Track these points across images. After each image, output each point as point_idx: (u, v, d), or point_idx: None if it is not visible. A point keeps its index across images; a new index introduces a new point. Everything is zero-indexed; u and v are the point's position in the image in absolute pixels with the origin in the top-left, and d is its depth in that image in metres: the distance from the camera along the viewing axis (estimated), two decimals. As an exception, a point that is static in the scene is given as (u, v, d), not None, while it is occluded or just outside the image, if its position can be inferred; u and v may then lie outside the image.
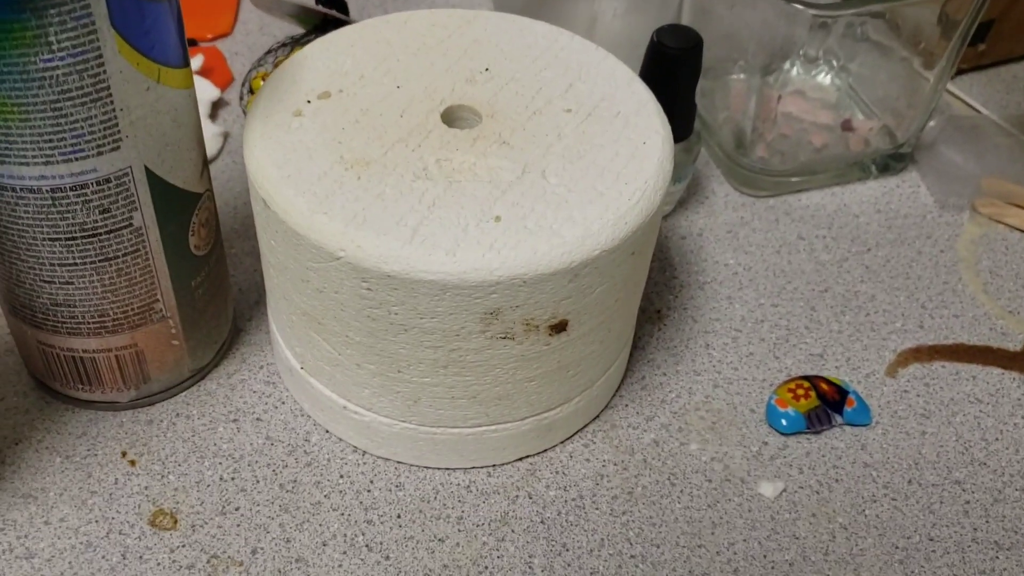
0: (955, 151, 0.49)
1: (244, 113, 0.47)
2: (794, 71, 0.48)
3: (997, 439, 0.37)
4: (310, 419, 0.36)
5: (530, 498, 0.34)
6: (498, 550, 0.33)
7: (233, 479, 0.34)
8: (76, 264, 0.31)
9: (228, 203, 0.44)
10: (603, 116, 0.33)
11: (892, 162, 0.48)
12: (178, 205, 0.32)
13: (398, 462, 0.35)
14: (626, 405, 0.37)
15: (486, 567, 0.32)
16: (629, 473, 0.35)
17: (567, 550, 0.33)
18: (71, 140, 0.28)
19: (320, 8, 0.45)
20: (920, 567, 0.33)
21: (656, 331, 0.40)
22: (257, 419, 0.36)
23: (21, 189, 0.28)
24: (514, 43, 0.36)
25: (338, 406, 0.34)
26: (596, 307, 0.32)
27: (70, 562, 0.32)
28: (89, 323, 0.32)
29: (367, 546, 0.33)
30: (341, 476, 0.34)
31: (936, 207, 0.47)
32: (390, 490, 0.34)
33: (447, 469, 0.35)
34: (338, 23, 0.45)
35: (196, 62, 0.49)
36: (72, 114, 0.27)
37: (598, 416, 0.37)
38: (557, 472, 0.35)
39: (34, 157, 0.28)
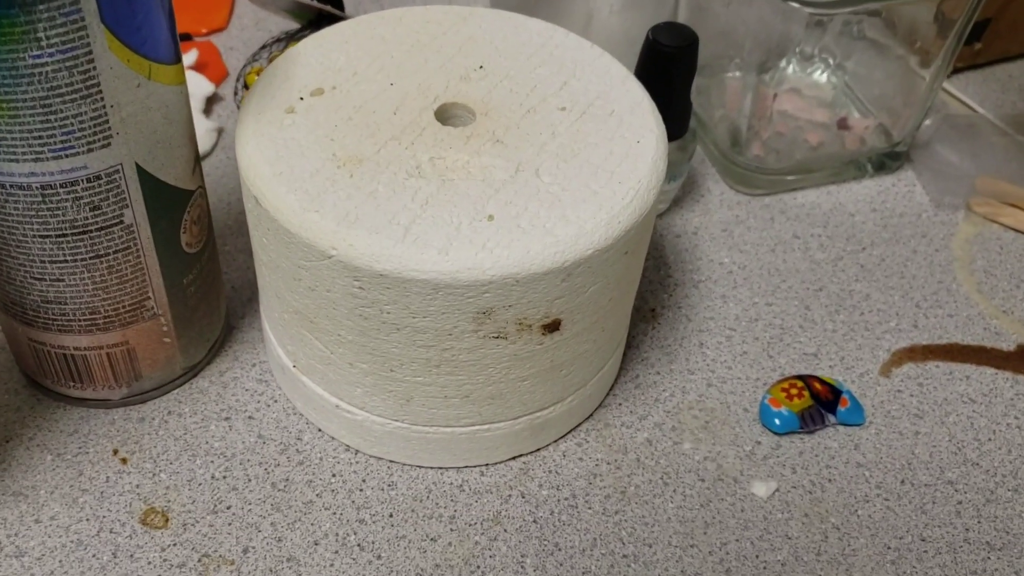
0: (951, 150, 0.48)
1: (238, 108, 0.47)
2: (790, 69, 0.48)
3: (990, 439, 0.37)
4: (302, 417, 0.36)
5: (523, 497, 0.34)
6: (490, 549, 0.33)
7: (225, 477, 0.34)
8: (67, 261, 0.30)
9: (222, 199, 0.44)
10: (597, 114, 0.33)
11: (888, 161, 0.48)
12: (169, 202, 0.31)
13: (390, 461, 0.35)
14: (619, 404, 0.37)
15: (478, 567, 0.32)
16: (622, 472, 0.35)
17: (559, 549, 0.33)
18: (61, 137, 0.27)
19: (315, 3, 0.45)
20: (912, 567, 0.33)
21: (650, 330, 0.40)
22: (249, 417, 0.36)
23: (11, 186, 0.28)
24: (509, 40, 0.36)
25: (330, 405, 0.34)
26: (589, 306, 0.31)
27: (60, 560, 0.31)
28: (80, 320, 0.32)
29: (359, 545, 0.33)
30: (333, 475, 0.34)
31: (931, 206, 0.47)
32: (382, 489, 0.34)
33: (440, 468, 0.35)
34: (333, 18, 0.45)
35: (190, 57, 0.49)
36: (62, 111, 0.27)
37: (591, 415, 0.37)
38: (550, 471, 0.35)
39: (24, 154, 0.28)
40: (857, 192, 0.47)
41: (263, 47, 0.47)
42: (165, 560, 0.32)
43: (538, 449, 0.36)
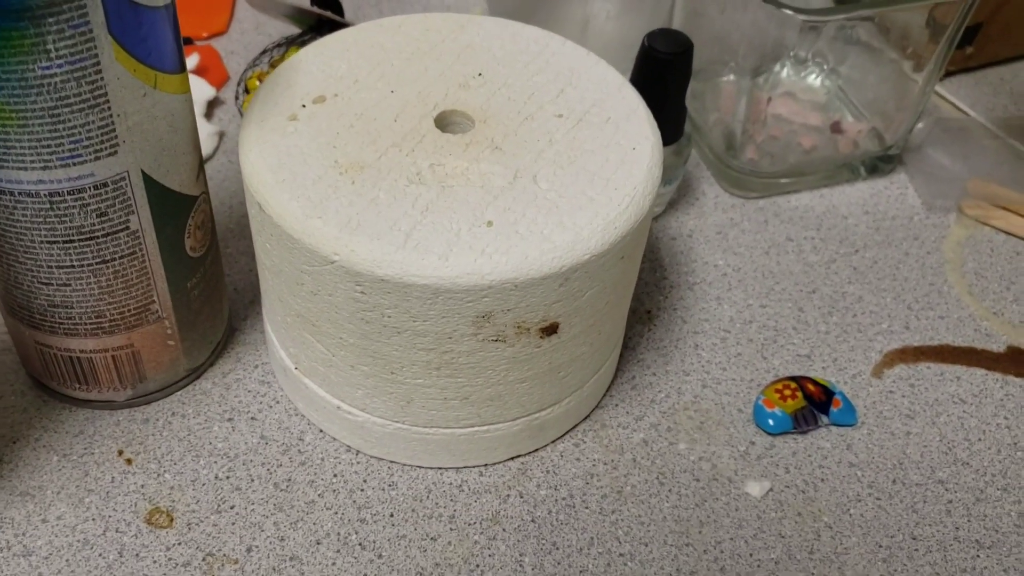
0: (942, 153, 0.49)
1: (240, 112, 0.47)
2: (784, 73, 0.48)
3: (980, 439, 0.38)
4: (304, 419, 0.36)
5: (521, 497, 0.35)
6: (489, 549, 0.33)
7: (228, 478, 0.34)
8: (74, 266, 0.31)
9: (223, 202, 0.44)
10: (593, 122, 0.34)
11: (880, 164, 0.49)
12: (174, 208, 0.32)
13: (391, 461, 0.35)
14: (616, 405, 0.38)
15: (477, 565, 0.33)
16: (619, 472, 0.36)
17: (557, 548, 0.34)
18: (69, 145, 0.28)
19: (315, 9, 0.46)
20: (903, 565, 0.34)
21: (646, 331, 0.41)
22: (252, 418, 0.36)
23: (19, 193, 0.29)
24: (507, 48, 0.36)
25: (332, 406, 0.35)
26: (586, 310, 0.32)
27: (67, 560, 0.32)
28: (86, 324, 0.33)
29: (360, 544, 0.33)
30: (335, 475, 0.35)
31: (923, 209, 0.48)
32: (383, 489, 0.35)
33: (439, 468, 0.35)
34: (333, 24, 0.46)
35: (191, 61, 0.50)
36: (70, 120, 0.28)
37: (588, 416, 0.37)
38: (548, 472, 0.36)
39: (32, 162, 0.28)
40: (850, 195, 0.48)
41: (264, 52, 0.47)
42: (170, 559, 0.32)
43: (536, 450, 0.36)
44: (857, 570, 0.34)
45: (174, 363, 0.36)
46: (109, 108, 0.28)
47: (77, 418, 0.36)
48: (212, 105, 0.48)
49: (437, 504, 0.34)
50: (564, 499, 0.35)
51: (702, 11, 0.48)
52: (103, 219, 0.30)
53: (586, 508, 0.35)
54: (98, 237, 0.31)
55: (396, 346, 0.31)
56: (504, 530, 0.34)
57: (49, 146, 0.28)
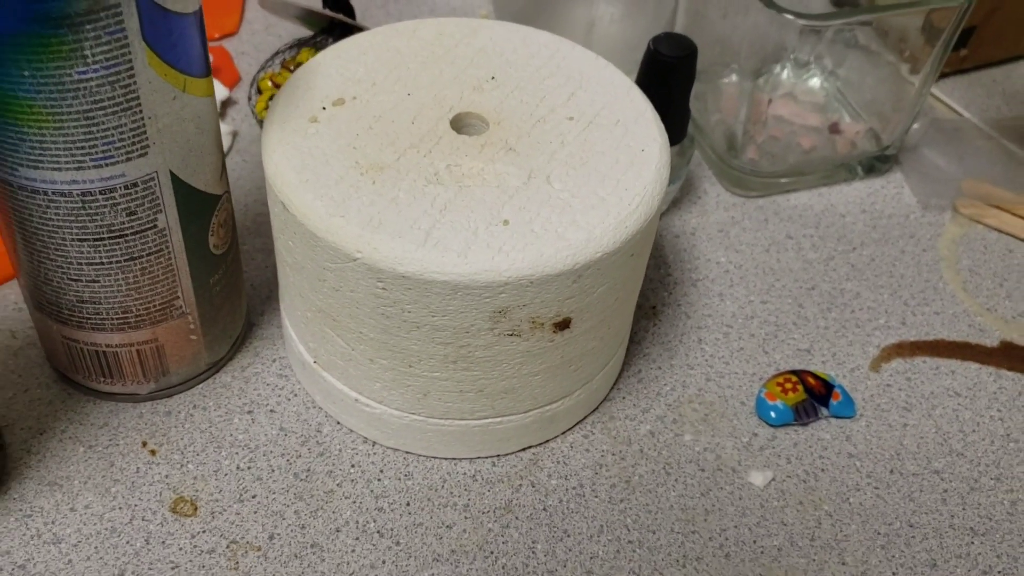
0: (937, 153, 0.50)
1: (253, 112, 0.48)
2: (784, 75, 0.49)
3: (974, 431, 0.40)
4: (322, 411, 0.38)
5: (533, 487, 0.36)
6: (503, 536, 0.35)
7: (249, 468, 0.36)
8: (103, 263, 0.32)
9: (239, 201, 0.45)
10: (603, 124, 0.35)
11: (877, 164, 0.50)
12: (199, 207, 0.33)
13: (407, 452, 0.37)
14: (623, 398, 0.39)
15: (492, 552, 0.34)
16: (626, 463, 0.37)
17: (568, 536, 0.35)
18: (102, 147, 0.29)
19: (327, 12, 0.47)
20: (900, 551, 0.35)
21: (651, 327, 0.42)
22: (271, 411, 0.37)
23: (53, 193, 0.30)
24: (518, 52, 0.38)
25: (350, 399, 0.36)
26: (597, 306, 0.33)
27: (96, 547, 0.33)
28: (113, 319, 0.34)
29: (379, 532, 0.34)
30: (352, 465, 0.36)
31: (919, 207, 0.49)
32: (399, 479, 0.36)
33: (453, 459, 0.37)
34: (344, 26, 0.47)
35: (204, 62, 0.51)
36: (103, 122, 0.29)
37: (597, 408, 0.39)
38: (558, 462, 0.37)
39: (66, 163, 0.29)
40: (848, 194, 0.49)
41: (276, 53, 0.48)
42: (195, 546, 0.33)
43: (547, 441, 0.37)
44: (857, 556, 0.35)
45: (196, 357, 0.37)
46: (141, 111, 0.29)
47: (101, 410, 0.37)
48: (225, 105, 0.50)
49: (452, 493, 0.36)
50: (574, 488, 0.36)
51: (704, 14, 0.50)
52: (132, 218, 0.31)
53: (595, 497, 0.36)
54: (127, 235, 0.32)
55: (415, 340, 0.32)
56: (517, 518, 0.35)
57: (83, 147, 0.29)
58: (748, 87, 0.47)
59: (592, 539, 0.35)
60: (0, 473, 0.34)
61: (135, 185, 0.31)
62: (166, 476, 0.35)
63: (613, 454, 0.37)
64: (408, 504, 0.35)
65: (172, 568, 0.33)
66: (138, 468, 0.35)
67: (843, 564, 0.35)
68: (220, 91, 0.49)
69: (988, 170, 0.50)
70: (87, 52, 0.27)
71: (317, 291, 0.33)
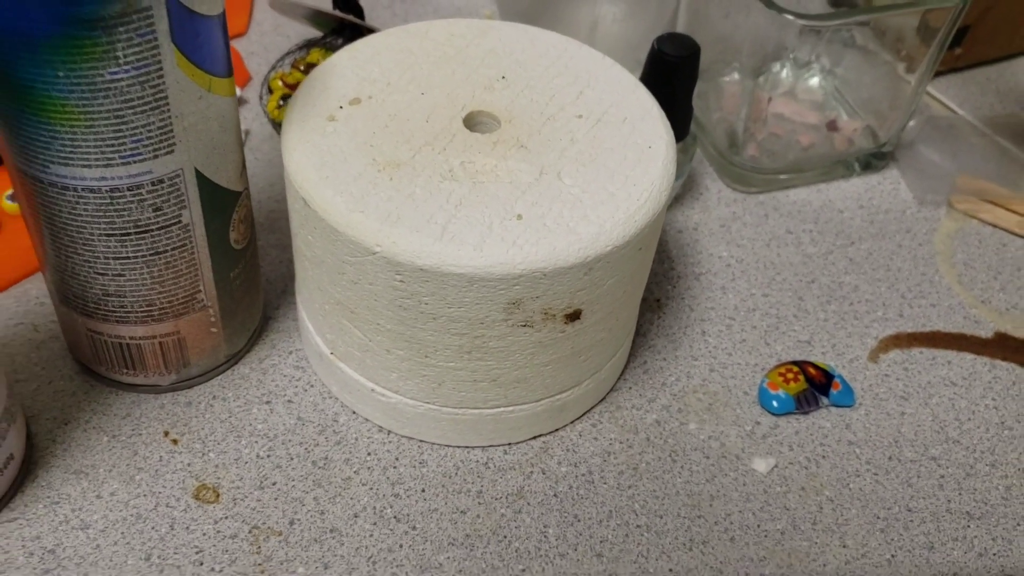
0: (933, 150, 0.52)
1: (264, 111, 0.49)
2: (784, 73, 0.51)
3: (970, 419, 0.41)
4: (338, 401, 0.39)
5: (544, 474, 0.37)
6: (515, 521, 0.36)
7: (269, 456, 0.37)
8: (129, 258, 0.33)
9: (252, 198, 0.46)
10: (611, 122, 0.36)
11: (874, 160, 0.52)
12: (222, 203, 0.34)
13: (421, 441, 0.38)
14: (630, 388, 0.40)
15: (505, 536, 0.35)
16: (633, 450, 0.38)
17: (578, 520, 0.36)
18: (131, 145, 0.30)
19: (336, 13, 0.48)
20: (899, 535, 0.37)
21: (656, 319, 0.43)
22: (288, 401, 0.39)
23: (82, 189, 0.31)
24: (527, 52, 0.39)
25: (366, 389, 0.37)
26: (607, 298, 0.34)
27: (123, 532, 0.34)
28: (137, 312, 0.35)
29: (395, 517, 0.35)
30: (368, 454, 0.37)
31: (915, 203, 0.50)
32: (414, 466, 0.37)
33: (466, 447, 0.38)
34: (353, 27, 0.48)
35: (215, 62, 0.52)
36: (133, 121, 0.30)
37: (604, 398, 0.40)
38: (568, 450, 0.38)
39: (96, 160, 0.30)
40: (846, 190, 0.51)
41: (287, 54, 0.49)
42: (218, 532, 0.34)
43: (557, 429, 0.39)
44: (857, 539, 0.36)
45: (216, 349, 0.38)
46: (168, 110, 0.30)
47: (124, 401, 0.38)
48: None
49: (465, 480, 0.37)
50: (584, 475, 0.37)
51: (706, 14, 0.51)
52: (158, 213, 0.32)
53: (604, 483, 0.37)
54: (153, 230, 0.33)
55: (431, 331, 0.33)
56: (528, 504, 0.36)
57: (112, 145, 0.30)
58: (749, 85, 0.48)
59: (601, 523, 0.36)
60: (27, 462, 0.35)
61: (161, 182, 0.32)
62: (188, 464, 0.36)
63: (621, 442, 0.39)
64: (423, 490, 0.36)
65: (196, 552, 0.34)
66: (161, 457, 0.36)
67: (844, 547, 0.36)
68: (232, 90, 0.50)
69: (982, 166, 0.51)
70: (119, 53, 0.28)
71: (336, 284, 0.34)
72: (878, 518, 0.37)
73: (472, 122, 0.36)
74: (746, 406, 0.40)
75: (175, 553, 0.34)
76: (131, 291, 0.34)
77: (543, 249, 0.32)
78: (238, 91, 0.50)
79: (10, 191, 0.44)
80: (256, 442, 0.37)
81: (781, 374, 0.41)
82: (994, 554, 0.36)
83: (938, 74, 0.58)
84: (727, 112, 0.51)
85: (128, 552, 0.34)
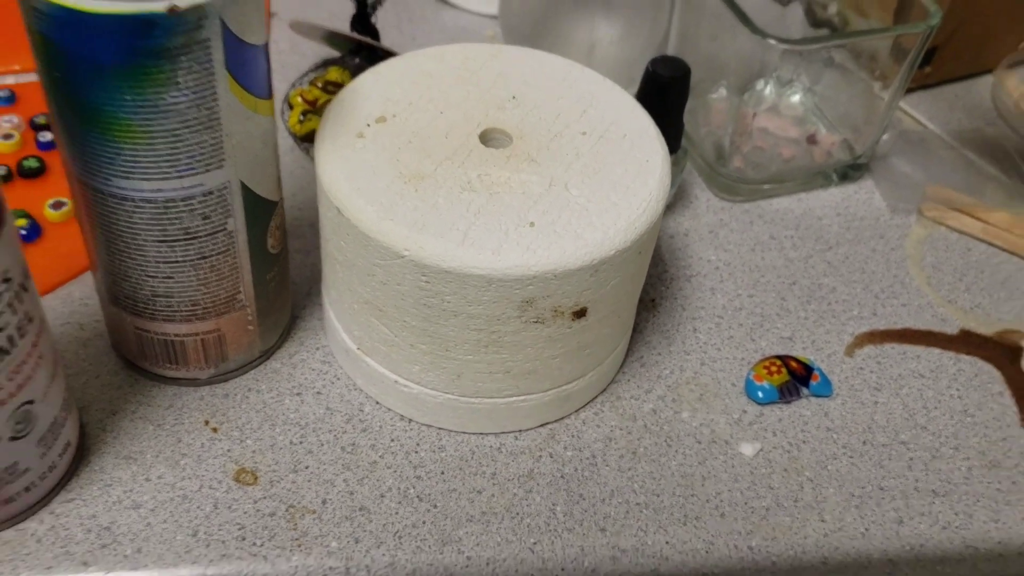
0: (905, 162, 0.56)
1: (285, 126, 0.53)
2: (767, 91, 0.55)
3: (936, 407, 0.45)
4: (362, 392, 0.42)
5: (551, 457, 0.41)
6: (527, 500, 0.39)
7: (301, 443, 0.40)
8: (177, 262, 0.37)
9: (275, 207, 0.50)
10: (612, 138, 0.40)
11: (850, 172, 0.56)
12: (262, 211, 0.38)
13: (439, 428, 0.41)
14: (628, 380, 0.44)
15: (518, 513, 0.39)
16: (632, 436, 0.42)
17: (584, 499, 0.40)
18: (185, 160, 0.34)
19: (354, 34, 0.51)
20: (872, 511, 0.41)
21: (651, 317, 0.47)
22: (317, 393, 0.42)
23: (140, 200, 0.34)
24: (534, 74, 0.42)
25: (390, 381, 0.41)
26: (610, 297, 0.38)
27: (171, 511, 0.38)
28: (183, 311, 0.38)
29: (418, 497, 0.39)
30: (392, 440, 0.41)
31: (888, 211, 0.54)
32: (434, 451, 0.41)
33: (481, 434, 0.41)
34: (370, 48, 0.52)
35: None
36: (188, 139, 0.33)
37: (606, 389, 0.44)
38: (573, 436, 0.42)
39: (154, 174, 0.34)
40: (824, 199, 0.55)
41: (306, 72, 0.53)
42: (258, 510, 0.38)
43: (562, 418, 0.42)
44: (834, 515, 0.40)
45: (251, 345, 0.41)
46: (220, 129, 0.34)
47: (166, 393, 0.41)
48: (258, 119, 0.54)
49: (480, 463, 0.40)
50: (587, 459, 0.41)
51: (695, 37, 0.55)
52: (206, 222, 0.36)
53: (606, 466, 0.41)
54: (200, 237, 0.36)
55: (452, 327, 0.37)
56: (538, 484, 0.40)
57: (169, 161, 0.33)
58: (735, 102, 0.52)
59: (604, 502, 0.40)
60: (81, 449, 0.39)
61: (211, 193, 0.35)
62: (228, 450, 0.40)
63: (621, 429, 0.42)
64: (443, 473, 0.40)
65: (239, 529, 0.37)
66: (203, 443, 0.40)
67: (822, 522, 0.40)
68: (253, 106, 0.54)
69: (950, 177, 0.55)
70: (180, 79, 0.32)
71: (366, 285, 0.38)
72: (853, 496, 0.41)
73: (487, 138, 0.40)
74: (734, 396, 0.44)
75: (219, 529, 0.37)
76: (178, 292, 0.38)
77: (554, 253, 0.35)
78: (258, 107, 0.54)
79: (52, 200, 0.47)
80: (289, 430, 0.41)
81: (765, 367, 0.45)
82: (956, 527, 0.40)
83: (909, 91, 0.62)
84: (714, 127, 0.55)
85: (176, 529, 0.37)
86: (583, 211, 0.37)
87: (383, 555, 0.37)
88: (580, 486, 0.40)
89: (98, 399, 0.41)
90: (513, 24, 0.58)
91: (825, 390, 0.45)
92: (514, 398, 0.40)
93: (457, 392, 0.40)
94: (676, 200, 0.53)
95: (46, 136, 0.51)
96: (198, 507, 0.38)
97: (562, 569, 0.38)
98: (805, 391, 0.44)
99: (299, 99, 0.53)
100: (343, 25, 0.56)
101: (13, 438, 0.34)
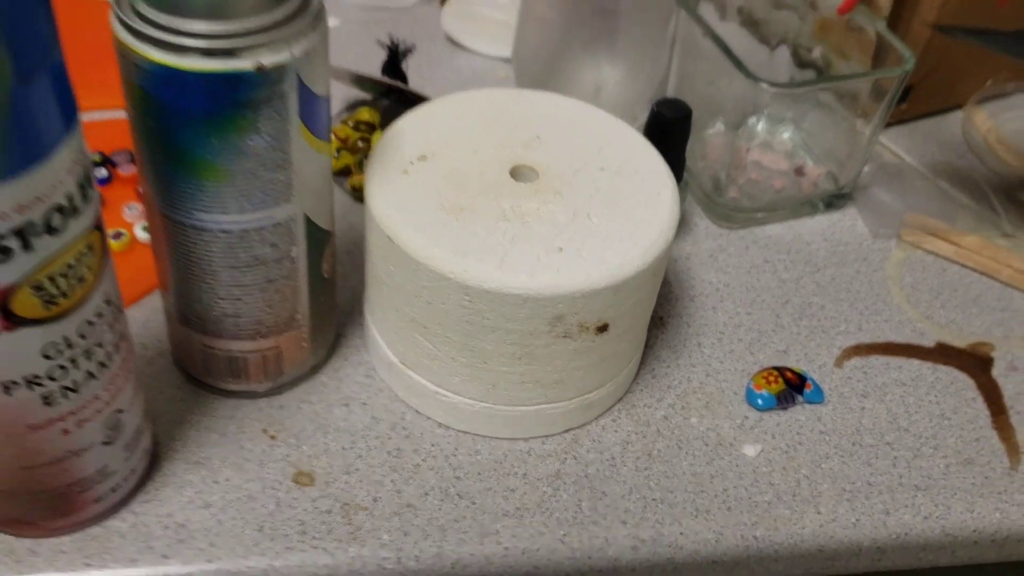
0: (884, 192, 0.61)
1: (320, 162, 0.57)
2: (760, 127, 0.60)
3: (916, 412, 0.50)
4: (404, 403, 0.47)
5: (575, 459, 0.46)
6: (555, 497, 0.44)
7: (351, 448, 0.45)
8: (247, 285, 0.41)
9: (314, 236, 0.54)
10: (627, 173, 0.45)
11: (835, 200, 0.61)
12: (319, 240, 0.42)
13: (475, 434, 0.46)
14: (642, 390, 0.49)
15: (547, 508, 0.44)
16: (647, 440, 0.47)
17: (606, 496, 0.44)
18: (260, 196, 0.38)
19: (384, 79, 0.56)
20: (862, 503, 0.45)
21: (660, 334, 0.52)
22: (363, 403, 0.47)
23: (218, 231, 0.39)
24: (554, 116, 0.48)
25: (430, 391, 0.45)
26: (628, 313, 0.43)
27: (238, 509, 0.42)
28: (248, 330, 0.43)
29: (458, 495, 0.44)
30: (432, 445, 0.45)
31: (870, 236, 0.60)
32: (470, 455, 0.45)
33: (512, 439, 0.46)
34: (399, 91, 0.57)
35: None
36: (263, 177, 0.38)
37: (622, 398, 0.48)
38: (594, 440, 0.46)
39: (232, 208, 0.38)
40: (812, 226, 0.60)
41: (339, 112, 0.58)
42: (316, 508, 0.42)
43: (585, 424, 0.47)
44: (828, 508, 0.45)
45: (304, 361, 0.46)
46: (290, 168, 0.38)
47: (227, 405, 0.46)
48: (293, 155, 0.59)
49: (513, 465, 0.45)
50: (608, 460, 0.46)
51: (692, 79, 0.60)
52: (274, 249, 0.40)
53: (625, 466, 0.46)
54: (268, 263, 0.41)
55: (490, 341, 0.42)
56: (564, 483, 0.45)
57: (246, 196, 0.38)
58: (730, 138, 0.57)
59: (624, 498, 0.44)
60: (154, 455, 0.43)
61: (279, 224, 0.40)
62: (286, 455, 0.44)
63: (636, 433, 0.47)
64: (479, 473, 0.44)
65: (300, 524, 0.42)
66: (263, 450, 0.44)
67: (818, 513, 0.45)
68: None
69: (926, 205, 0.61)
70: (260, 126, 0.36)
71: (412, 305, 0.42)
72: (844, 491, 0.46)
73: (516, 174, 0.45)
74: (736, 404, 0.49)
75: (283, 525, 0.42)
76: (245, 313, 0.42)
77: (580, 275, 0.40)
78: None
79: (112, 231, 0.52)
80: (340, 437, 0.45)
81: (764, 377, 0.49)
82: (936, 518, 0.45)
83: (888, 126, 0.68)
84: (711, 161, 0.60)
85: (244, 525, 0.41)
86: (604, 238, 0.42)
87: (430, 546, 0.42)
88: (602, 484, 0.45)
89: (165, 411, 0.45)
90: (525, 67, 0.63)
91: (817, 397, 0.50)
92: (542, 406, 0.45)
93: (492, 401, 0.44)
94: (678, 227, 0.58)
95: (102, 172, 0.55)
96: (262, 506, 0.42)
97: (588, 558, 0.42)
98: (800, 398, 0.49)
99: (333, 137, 0.57)
100: (368, 69, 0.61)
101: (105, 443, 0.38)
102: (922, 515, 0.45)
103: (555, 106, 0.48)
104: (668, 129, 0.52)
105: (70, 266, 0.33)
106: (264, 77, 0.35)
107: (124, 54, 0.35)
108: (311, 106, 0.38)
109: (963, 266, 0.58)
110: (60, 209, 0.31)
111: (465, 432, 0.46)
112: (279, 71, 0.35)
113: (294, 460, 0.44)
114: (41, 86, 0.29)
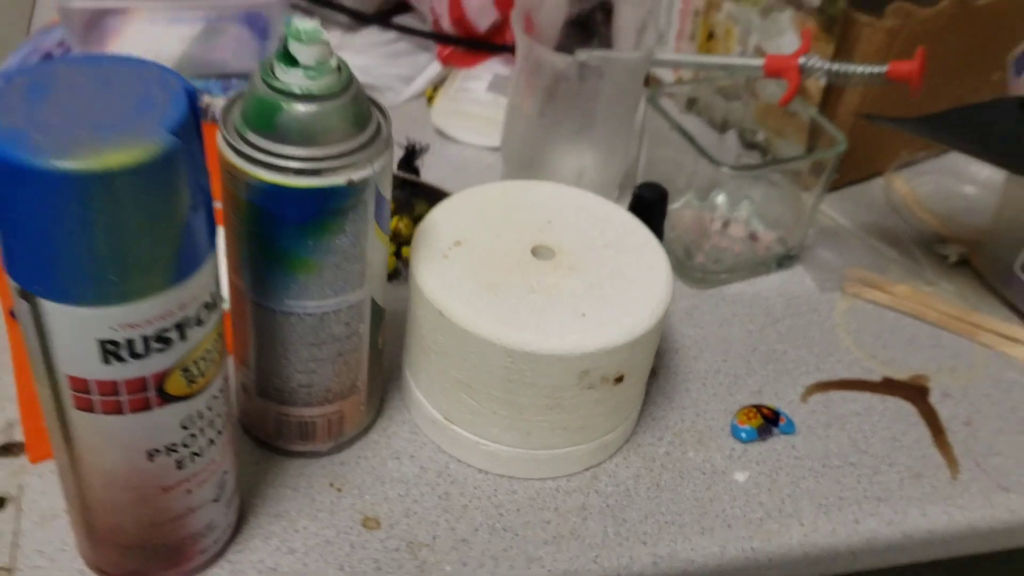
0: (826, 251, 0.72)
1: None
2: (720, 199, 0.70)
3: (872, 436, 0.59)
4: (446, 453, 0.54)
5: (597, 493, 0.54)
6: (584, 525, 0.52)
7: (407, 495, 0.52)
8: (322, 360, 0.49)
9: (346, 312, 0.62)
10: (627, 249, 0.54)
11: (785, 260, 0.71)
12: (378, 317, 0.50)
13: (511, 477, 0.54)
14: (644, 431, 0.57)
15: (579, 535, 0.51)
16: (654, 473, 0.55)
17: (626, 522, 0.52)
18: (339, 284, 0.46)
19: (400, 173, 0.65)
20: (835, 515, 0.54)
21: (654, 382, 0.61)
22: (411, 456, 0.54)
23: (302, 314, 0.47)
24: (559, 202, 0.56)
25: (472, 442, 0.53)
26: (639, 366, 0.52)
27: (319, 553, 0.49)
28: (318, 397, 0.50)
29: (503, 528, 0.51)
30: (475, 488, 0.53)
31: (817, 290, 0.70)
32: (509, 495, 0.53)
33: (542, 479, 0.54)
34: (413, 183, 0.65)
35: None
36: (343, 268, 0.46)
37: (629, 439, 0.57)
38: (610, 475, 0.55)
39: (317, 295, 0.46)
40: (768, 283, 0.70)
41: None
42: (385, 547, 0.49)
43: (601, 462, 0.55)
44: (808, 519, 0.54)
45: (360, 422, 0.53)
46: (365, 260, 0.46)
47: (295, 464, 0.53)
48: (317, 242, 0.66)
49: (545, 501, 0.53)
50: (624, 492, 0.54)
51: (660, 162, 0.70)
52: (347, 328, 0.48)
53: (639, 496, 0.54)
54: (340, 339, 0.48)
55: (526, 396, 0.50)
56: (590, 513, 0.53)
57: (330, 285, 0.46)
58: (697, 211, 0.67)
59: (641, 522, 0.52)
60: (241, 511, 0.50)
61: (352, 307, 0.47)
62: (353, 504, 0.51)
63: (645, 468, 0.55)
64: (518, 510, 0.52)
65: (374, 562, 0.49)
66: (332, 501, 0.51)
67: (801, 525, 0.54)
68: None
69: (862, 260, 0.71)
70: (346, 228, 0.44)
71: (459, 368, 0.50)
72: (821, 505, 0.55)
73: (537, 253, 0.53)
74: (723, 438, 0.58)
75: (360, 564, 0.49)
76: (318, 383, 0.49)
77: (602, 336, 0.49)
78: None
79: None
80: (396, 485, 0.52)
81: (745, 414, 0.58)
82: (896, 523, 0.54)
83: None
84: (680, 231, 0.70)
85: (326, 565, 0.48)
86: (618, 304, 0.51)
87: (486, 574, 0.49)
88: (622, 512, 0.53)
89: (243, 473, 0.52)
90: (513, 155, 0.72)
91: (790, 429, 0.59)
92: (569, 448, 0.53)
93: (527, 447, 0.52)
94: (657, 290, 0.68)
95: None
96: (339, 548, 0.49)
97: (617, 574, 0.50)
98: (776, 430, 0.58)
99: (354, 225, 0.65)
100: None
101: (214, 500, 0.45)
102: (885, 521, 0.54)
103: (560, 194, 0.57)
104: (649, 208, 0.62)
105: (208, 350, 0.40)
106: (353, 189, 0.43)
107: (233, 173, 0.43)
108: (381, 208, 0.46)
109: (898, 311, 0.69)
110: (207, 305, 0.39)
111: (502, 475, 0.54)
112: (363, 183, 0.43)
113: (360, 507, 0.51)
114: (201, 212, 0.37)
